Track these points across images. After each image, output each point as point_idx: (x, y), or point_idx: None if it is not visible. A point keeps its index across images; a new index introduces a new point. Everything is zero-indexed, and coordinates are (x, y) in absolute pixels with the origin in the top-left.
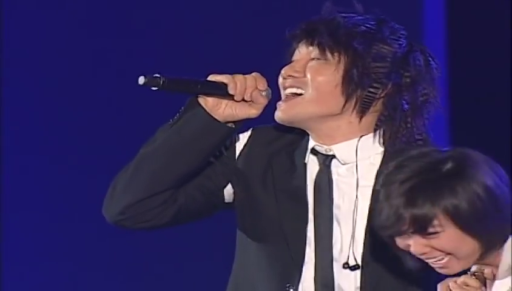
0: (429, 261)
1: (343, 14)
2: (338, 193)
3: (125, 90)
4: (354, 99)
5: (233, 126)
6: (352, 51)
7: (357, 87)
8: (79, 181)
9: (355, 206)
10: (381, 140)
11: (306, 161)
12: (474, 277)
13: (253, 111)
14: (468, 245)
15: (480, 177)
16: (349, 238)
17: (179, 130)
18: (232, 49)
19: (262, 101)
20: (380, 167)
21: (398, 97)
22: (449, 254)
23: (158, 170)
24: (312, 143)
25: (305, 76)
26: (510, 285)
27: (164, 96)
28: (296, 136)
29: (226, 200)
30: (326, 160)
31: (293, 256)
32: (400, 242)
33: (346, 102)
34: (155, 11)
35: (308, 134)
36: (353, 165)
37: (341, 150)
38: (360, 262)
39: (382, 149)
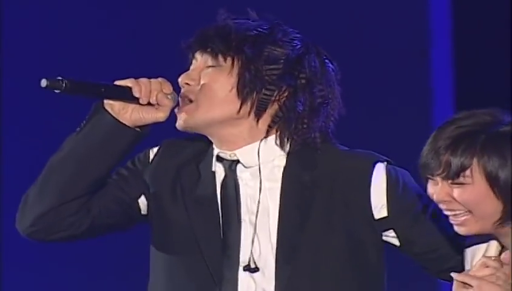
0: (448, 214)
1: (236, 20)
2: (246, 197)
3: None
4: (249, 103)
5: (140, 130)
6: (243, 55)
7: (251, 90)
8: None
9: (257, 209)
10: (279, 142)
11: (213, 169)
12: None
13: (160, 115)
14: (490, 205)
15: None
16: (267, 244)
17: (86, 135)
18: None
19: (168, 104)
20: (285, 168)
21: (293, 99)
22: (468, 211)
23: (68, 178)
24: (216, 150)
25: (198, 84)
26: None
27: None
28: (204, 146)
29: (142, 212)
30: (231, 166)
31: (209, 264)
32: (430, 186)
33: (241, 105)
34: (155, 11)
35: (212, 143)
36: (257, 168)
37: (244, 154)
38: (259, 265)
39: (283, 151)
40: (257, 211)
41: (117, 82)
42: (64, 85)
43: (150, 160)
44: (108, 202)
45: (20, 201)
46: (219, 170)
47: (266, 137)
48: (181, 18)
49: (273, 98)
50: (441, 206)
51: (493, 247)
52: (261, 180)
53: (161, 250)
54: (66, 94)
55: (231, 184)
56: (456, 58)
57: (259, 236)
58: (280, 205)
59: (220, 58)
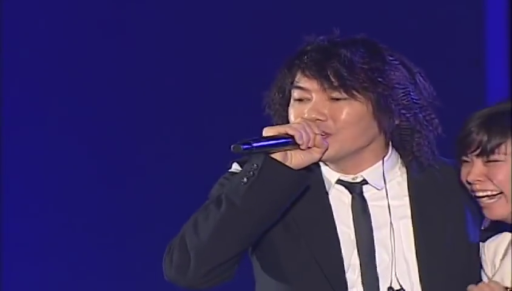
0: (480, 195)
1: (341, 46)
2: (375, 217)
3: (125, 90)
4: (391, 130)
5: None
6: (378, 86)
7: (391, 118)
8: (79, 181)
9: (391, 230)
10: (400, 160)
11: (328, 194)
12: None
13: (316, 156)
14: None
15: None
16: (390, 261)
17: (261, 187)
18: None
19: (325, 145)
20: (409, 185)
21: (419, 116)
22: (501, 193)
23: (243, 231)
24: (333, 174)
25: (331, 117)
26: None
27: (164, 98)
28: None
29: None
30: (356, 189)
31: (331, 281)
32: (464, 169)
33: (384, 136)
34: (156, 11)
35: (313, 167)
36: (383, 188)
37: (371, 175)
38: (404, 286)
39: (402, 167)
40: (392, 233)
41: (272, 130)
42: (252, 149)
43: None
44: None
45: (20, 201)
46: (336, 193)
47: (385, 155)
48: (182, 18)
49: (409, 122)
50: (475, 187)
51: (507, 237)
52: (388, 200)
53: (277, 284)
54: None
55: (359, 206)
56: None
57: (396, 257)
58: (413, 224)
59: (354, 92)
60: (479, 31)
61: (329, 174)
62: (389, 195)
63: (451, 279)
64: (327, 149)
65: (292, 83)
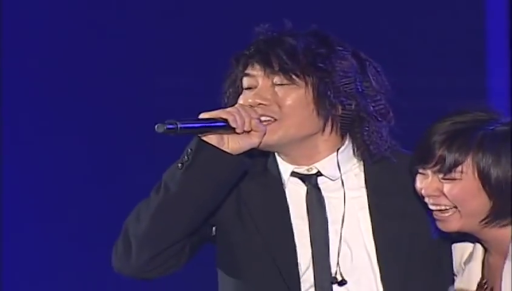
0: (434, 209)
1: (287, 34)
2: (331, 208)
3: (125, 90)
4: (331, 118)
5: (245, 158)
6: (318, 71)
7: (332, 106)
8: (79, 181)
9: (342, 221)
10: (356, 152)
11: (284, 185)
12: None
13: (255, 140)
14: (478, 202)
15: None
16: (347, 254)
17: (196, 173)
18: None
19: (262, 128)
20: (366, 176)
21: (368, 108)
22: (454, 207)
23: (180, 217)
24: (287, 166)
25: (274, 102)
26: None
27: (163, 99)
28: (257, 162)
29: (213, 234)
30: (311, 180)
31: (289, 284)
32: (418, 180)
33: (324, 123)
34: (156, 10)
35: (269, 158)
36: (339, 179)
37: (325, 166)
38: (346, 277)
39: (357, 159)
40: (342, 223)
41: (208, 114)
42: (178, 129)
43: None
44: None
45: (20, 201)
46: (292, 186)
47: (340, 147)
48: (181, 18)
49: (353, 111)
50: (428, 200)
51: (479, 250)
52: (344, 190)
53: (232, 274)
54: (177, 135)
55: (316, 198)
56: None
57: (350, 247)
58: (371, 215)
59: (294, 77)
60: (480, 27)
61: (284, 166)
62: (345, 186)
63: (410, 270)
64: (265, 133)
65: (241, 73)
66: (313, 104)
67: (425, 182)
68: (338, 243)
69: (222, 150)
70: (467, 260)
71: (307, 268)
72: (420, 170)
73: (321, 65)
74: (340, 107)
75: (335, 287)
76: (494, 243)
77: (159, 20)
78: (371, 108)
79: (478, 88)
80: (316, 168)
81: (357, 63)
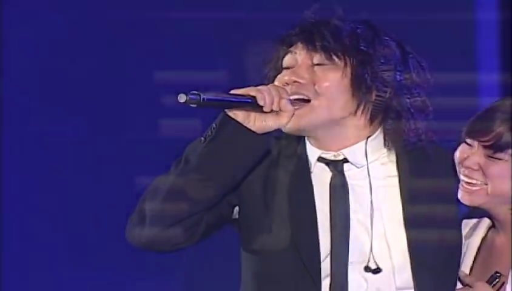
0: (464, 180)
1: (339, 19)
2: (355, 196)
3: (125, 90)
4: (365, 104)
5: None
6: (359, 54)
7: (367, 91)
8: (79, 180)
9: (371, 210)
10: (387, 141)
11: (311, 170)
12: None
13: (283, 121)
14: (510, 186)
15: None
16: (369, 241)
17: (217, 147)
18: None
19: (291, 109)
20: (398, 166)
21: (404, 98)
22: (486, 184)
23: (197, 191)
24: (315, 151)
25: (311, 82)
26: None
27: (164, 99)
28: (286, 145)
29: (233, 217)
30: (337, 166)
31: (309, 269)
32: (462, 149)
33: (357, 106)
34: (156, 10)
35: (300, 143)
36: (365, 167)
37: (352, 153)
38: (381, 266)
39: (387, 149)
40: (372, 213)
41: (238, 91)
42: (201, 100)
43: None
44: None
45: (19, 201)
46: (317, 171)
47: (369, 135)
48: (181, 18)
49: (386, 98)
50: (462, 170)
51: (483, 227)
52: (370, 179)
53: (253, 258)
54: (201, 107)
55: (339, 185)
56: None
57: (373, 236)
58: (403, 205)
59: (334, 57)
60: (470, 23)
61: (312, 151)
62: (371, 175)
63: (440, 263)
64: (293, 114)
65: (283, 51)
66: (349, 86)
67: (469, 153)
68: (359, 231)
69: (246, 127)
70: (468, 235)
71: (327, 256)
72: (468, 141)
73: (363, 47)
74: (375, 93)
75: (353, 273)
76: (507, 226)
77: (159, 20)
78: (406, 100)
79: (469, 84)
80: (343, 154)
81: (400, 53)
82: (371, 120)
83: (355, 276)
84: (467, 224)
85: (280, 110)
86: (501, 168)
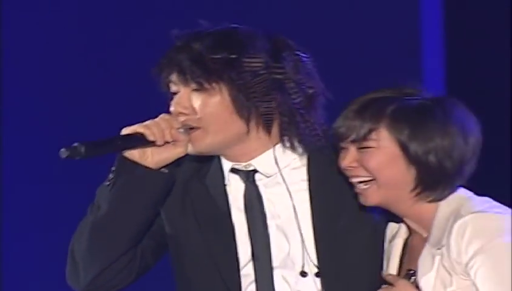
0: (354, 180)
1: (199, 40)
2: (271, 204)
3: (125, 90)
4: (254, 119)
5: (167, 171)
6: (228, 77)
7: (249, 109)
8: (79, 180)
9: (295, 213)
10: (290, 145)
11: (225, 183)
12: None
13: (179, 150)
14: (395, 172)
15: (447, 126)
16: (299, 246)
17: (121, 191)
18: None
19: (184, 138)
20: (308, 169)
21: (289, 100)
22: (373, 179)
23: (114, 236)
24: (227, 163)
25: (193, 111)
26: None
27: (165, 99)
28: (202, 159)
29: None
30: (249, 177)
31: (227, 282)
32: (341, 156)
33: (247, 125)
34: (155, 11)
35: (215, 157)
36: (277, 175)
37: (261, 163)
38: (306, 269)
39: (298, 153)
40: (296, 216)
41: (126, 130)
42: (82, 150)
43: None
44: (145, 240)
45: (20, 201)
46: (234, 183)
47: (277, 143)
48: (181, 19)
49: (273, 106)
50: (349, 173)
51: (403, 228)
52: (286, 185)
53: (180, 270)
54: (88, 158)
55: (253, 195)
56: (448, 56)
57: (289, 241)
58: (312, 206)
59: (205, 85)
60: (415, 19)
61: (225, 164)
62: (286, 181)
63: (348, 264)
64: (190, 141)
65: (165, 79)
66: (231, 107)
67: (345, 155)
68: (299, 237)
69: (143, 166)
70: (391, 239)
71: (247, 264)
72: (341, 145)
73: (228, 69)
74: (259, 106)
75: (277, 279)
76: (417, 221)
77: (159, 19)
78: (291, 101)
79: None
80: (252, 165)
81: (271, 57)
82: (268, 130)
83: (280, 280)
84: (392, 227)
85: (174, 140)
86: (376, 156)
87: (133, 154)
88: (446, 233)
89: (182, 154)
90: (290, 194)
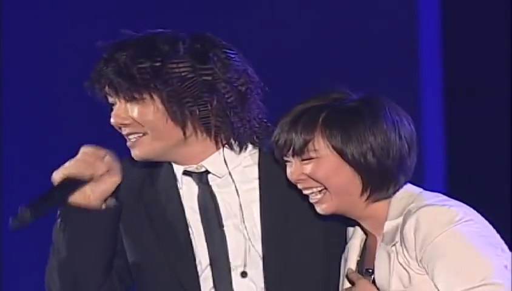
0: (307, 193)
1: (122, 50)
2: (225, 204)
3: None
4: (190, 124)
5: (113, 201)
6: (155, 86)
7: (184, 115)
8: None
9: (241, 213)
10: (237, 145)
11: (179, 186)
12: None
13: (115, 178)
14: (343, 178)
15: (377, 124)
16: (246, 246)
17: (72, 237)
18: None
19: (115, 165)
20: (258, 167)
21: (221, 100)
22: (324, 188)
23: (84, 274)
24: (179, 167)
25: (133, 120)
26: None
27: None
28: (151, 165)
29: None
30: (202, 178)
31: (185, 287)
32: (287, 169)
33: (183, 130)
34: (157, 10)
35: (166, 164)
36: (226, 175)
37: (212, 164)
38: (247, 269)
39: (249, 152)
40: (242, 216)
41: (56, 177)
42: (28, 215)
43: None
44: (116, 261)
45: (20, 201)
46: (187, 185)
47: (224, 144)
48: (181, 20)
49: (209, 109)
50: (300, 186)
51: (357, 232)
52: (235, 185)
53: (140, 281)
54: (37, 218)
55: (207, 196)
56: (445, 54)
57: (246, 239)
58: (260, 206)
59: (136, 96)
60: (413, 17)
61: (177, 167)
62: (235, 180)
63: (293, 267)
64: (135, 147)
65: (101, 92)
66: (166, 115)
67: (291, 169)
68: (235, 237)
69: (87, 210)
70: (350, 239)
71: (206, 267)
72: (285, 158)
73: (154, 78)
74: (194, 111)
75: (236, 279)
76: (372, 222)
77: (160, 19)
78: (225, 101)
79: (410, 80)
80: (204, 166)
81: (197, 59)
82: (208, 133)
83: (239, 280)
84: (349, 230)
85: (108, 169)
86: (319, 165)
87: (75, 197)
88: (399, 229)
89: (119, 181)
90: (237, 193)
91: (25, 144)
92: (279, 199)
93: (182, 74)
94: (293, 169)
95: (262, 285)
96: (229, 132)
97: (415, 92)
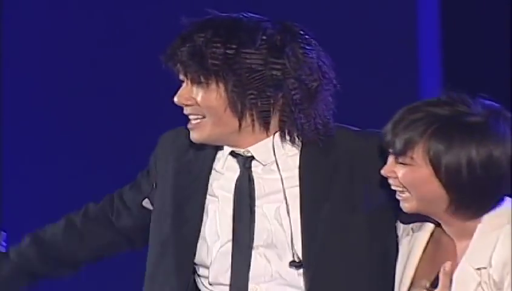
0: (393, 188)
1: (201, 33)
2: (263, 190)
3: (126, 90)
4: (249, 116)
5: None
6: (224, 74)
7: (244, 107)
8: (79, 180)
9: (286, 202)
10: (288, 137)
11: (222, 167)
12: None
13: None
14: (430, 190)
15: (488, 145)
16: (289, 234)
17: None
18: None
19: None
20: (301, 156)
21: (288, 97)
22: (407, 191)
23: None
24: (227, 148)
25: (195, 102)
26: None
27: (165, 95)
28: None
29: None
30: (245, 163)
31: (178, 259)
32: (387, 160)
33: (240, 122)
34: (157, 10)
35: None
36: (273, 163)
37: (258, 150)
38: (302, 259)
39: (295, 142)
40: (287, 205)
41: None
42: None
43: (154, 162)
44: (122, 221)
45: (20, 201)
46: (230, 165)
47: (275, 132)
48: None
49: (272, 102)
50: (389, 180)
51: (427, 228)
52: (280, 173)
53: (149, 247)
54: None
55: (245, 180)
56: (445, 54)
57: (273, 224)
58: (300, 191)
59: (202, 80)
60: (412, 12)
61: (225, 147)
62: (280, 168)
63: (332, 252)
64: (194, 129)
65: (172, 68)
66: (227, 104)
67: (388, 163)
68: (288, 224)
69: None
70: (416, 228)
71: (227, 242)
72: (388, 150)
73: (225, 65)
74: (255, 103)
75: (256, 257)
76: (454, 229)
77: (160, 20)
78: (291, 97)
79: (409, 74)
80: (250, 152)
81: (272, 52)
82: (265, 126)
83: (259, 258)
84: (403, 226)
85: None
86: (410, 173)
87: None
88: (489, 252)
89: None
90: (282, 180)
91: (25, 144)
92: (318, 188)
93: (253, 66)
94: (388, 165)
95: (282, 269)
96: (292, 127)
97: (415, 92)
